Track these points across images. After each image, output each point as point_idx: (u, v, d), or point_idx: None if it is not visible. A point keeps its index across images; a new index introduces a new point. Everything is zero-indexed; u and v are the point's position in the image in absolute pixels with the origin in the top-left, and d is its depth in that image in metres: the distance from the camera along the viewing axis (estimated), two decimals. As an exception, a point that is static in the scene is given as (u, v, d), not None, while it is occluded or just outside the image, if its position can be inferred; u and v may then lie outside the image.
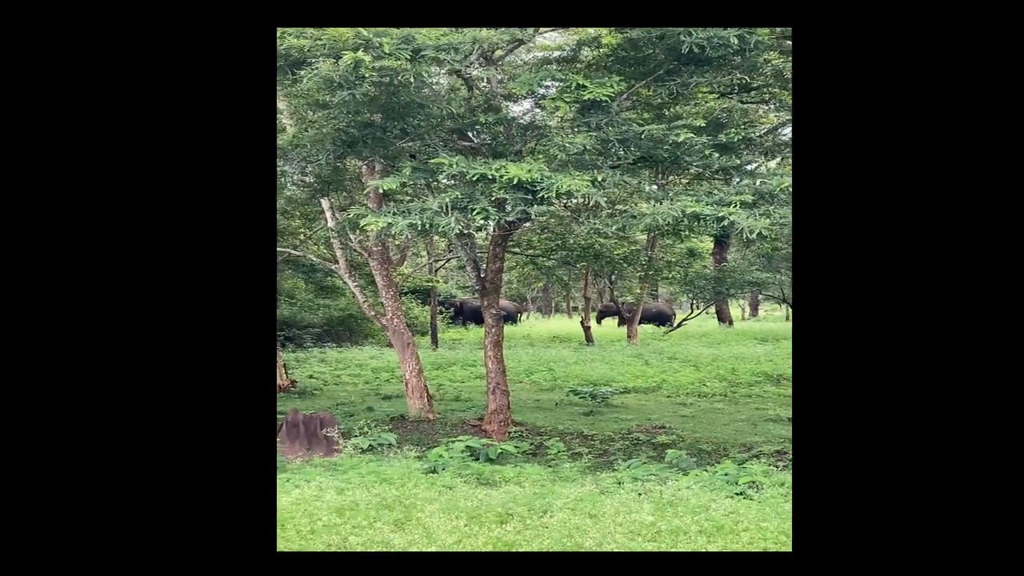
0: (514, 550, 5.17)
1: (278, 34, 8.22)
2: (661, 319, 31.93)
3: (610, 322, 34.52)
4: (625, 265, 19.73)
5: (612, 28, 9.02)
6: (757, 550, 5.21)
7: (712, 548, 5.18)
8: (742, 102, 11.88)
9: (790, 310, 36.51)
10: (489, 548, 5.21)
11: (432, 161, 8.46)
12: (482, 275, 11.33)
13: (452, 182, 9.05)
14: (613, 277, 26.72)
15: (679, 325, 29.29)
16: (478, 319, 31.41)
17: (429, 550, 5.12)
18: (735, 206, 7.87)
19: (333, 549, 5.23)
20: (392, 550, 5.16)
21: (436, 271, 25.21)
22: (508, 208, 8.25)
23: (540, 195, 7.94)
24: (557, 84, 9.37)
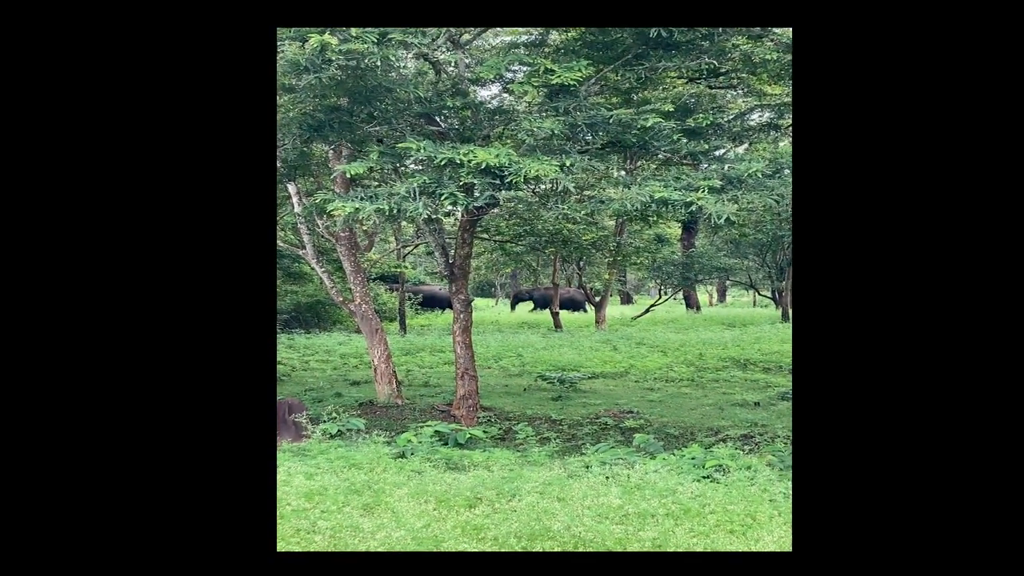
0: (483, 534, 5.19)
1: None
2: (573, 306, 32.11)
3: (524, 307, 34.89)
4: (593, 251, 19.82)
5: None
6: (724, 533, 5.28)
7: (679, 531, 5.23)
8: (710, 87, 11.92)
9: (757, 296, 36.83)
10: (458, 532, 5.23)
11: (399, 145, 8.41)
12: (450, 261, 11.31)
13: (420, 167, 9.01)
14: (581, 263, 26.79)
15: (647, 311, 29.44)
16: (444, 305, 31.51)
17: (398, 534, 5.14)
18: (703, 191, 7.91)
19: (302, 533, 5.22)
20: (361, 534, 5.17)
21: (404, 257, 25.11)
22: (476, 193, 8.24)
23: (508, 180, 7.93)
24: (525, 68, 9.34)
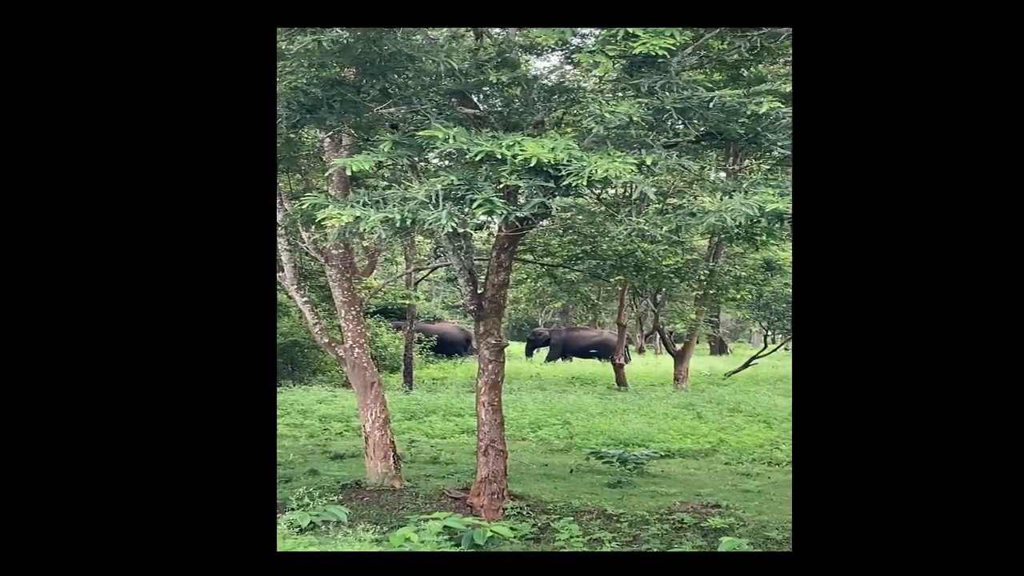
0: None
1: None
2: (604, 352, 31.87)
3: (541, 356, 35.27)
4: (677, 280, 19.69)
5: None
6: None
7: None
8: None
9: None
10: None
11: (421, 133, 8.43)
12: (479, 290, 11.35)
13: (447, 162, 9.09)
14: (659, 297, 26.75)
15: (746, 365, 29.32)
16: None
17: None
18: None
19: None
20: None
21: (416, 284, 25.24)
22: (521, 200, 8.29)
23: (566, 183, 7.95)
24: (598, 32, 9.42)
